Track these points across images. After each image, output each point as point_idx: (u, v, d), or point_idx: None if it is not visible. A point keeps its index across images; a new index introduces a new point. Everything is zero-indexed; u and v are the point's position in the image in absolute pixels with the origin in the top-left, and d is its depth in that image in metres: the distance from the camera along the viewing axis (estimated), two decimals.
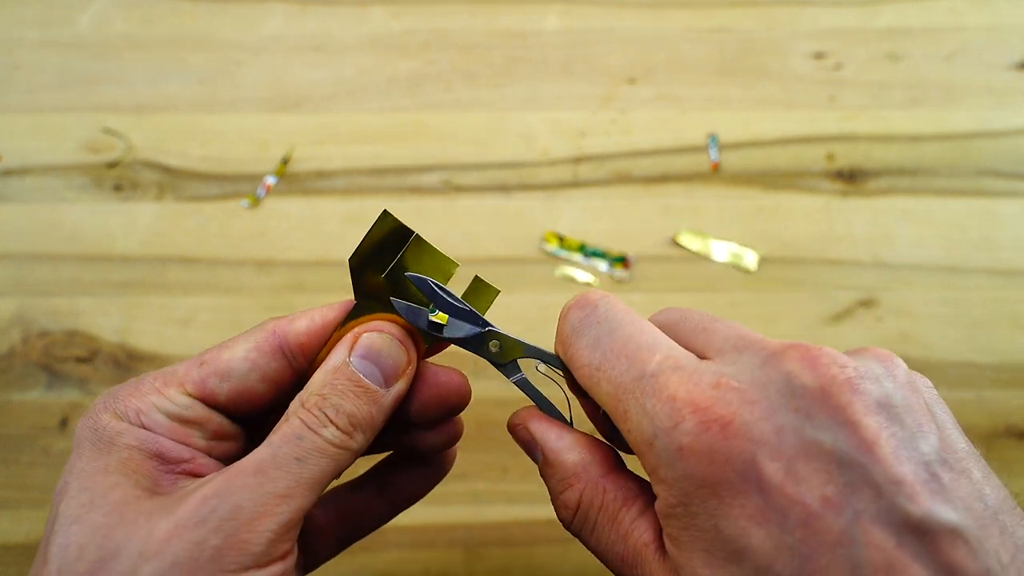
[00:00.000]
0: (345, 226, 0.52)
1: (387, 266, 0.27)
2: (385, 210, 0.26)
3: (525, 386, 0.26)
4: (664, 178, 0.53)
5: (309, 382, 0.26)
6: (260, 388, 0.27)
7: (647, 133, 0.54)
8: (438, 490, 0.35)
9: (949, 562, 0.18)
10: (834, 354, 0.21)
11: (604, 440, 0.27)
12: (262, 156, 0.53)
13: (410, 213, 0.52)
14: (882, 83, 0.55)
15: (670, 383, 0.21)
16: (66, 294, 0.50)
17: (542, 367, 0.27)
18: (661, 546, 0.23)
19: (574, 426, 0.27)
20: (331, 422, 0.24)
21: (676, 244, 0.51)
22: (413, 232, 0.27)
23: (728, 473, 0.20)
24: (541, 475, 0.26)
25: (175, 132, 0.53)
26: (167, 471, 0.25)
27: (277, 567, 0.23)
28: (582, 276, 0.51)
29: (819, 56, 0.56)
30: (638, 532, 0.24)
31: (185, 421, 0.26)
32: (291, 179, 0.53)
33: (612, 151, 0.53)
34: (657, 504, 0.22)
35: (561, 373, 0.26)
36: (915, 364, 0.49)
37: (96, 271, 0.50)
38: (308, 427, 0.24)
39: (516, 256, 0.51)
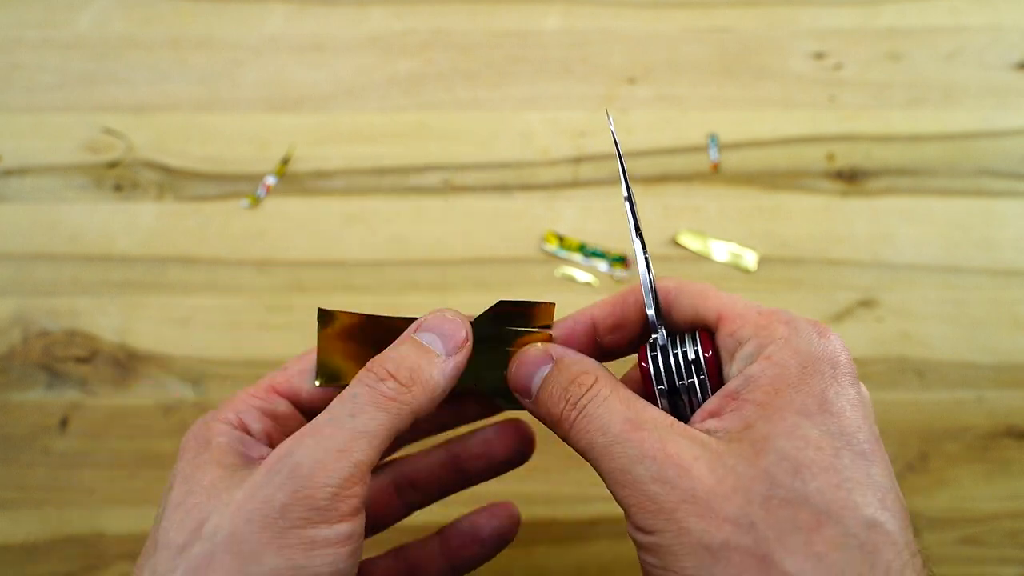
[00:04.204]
0: (345, 226, 0.52)
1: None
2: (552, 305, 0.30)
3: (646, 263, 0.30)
4: (664, 178, 0.53)
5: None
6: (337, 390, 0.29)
7: (647, 133, 0.54)
8: None
9: None
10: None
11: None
12: (262, 156, 0.53)
13: (410, 213, 0.52)
14: (882, 83, 0.55)
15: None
16: (66, 294, 0.50)
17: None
18: (678, 422, 0.26)
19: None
20: (390, 375, 0.26)
21: (676, 244, 0.51)
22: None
23: (845, 369, 0.26)
24: (540, 389, 0.28)
25: (175, 132, 0.53)
26: (249, 466, 0.27)
27: (344, 526, 0.24)
28: (582, 276, 0.51)
29: (819, 56, 0.56)
30: (650, 411, 0.26)
31: (274, 416, 0.29)
32: (291, 179, 0.53)
33: (612, 151, 0.53)
34: (762, 375, 0.25)
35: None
36: (915, 364, 0.49)
37: (96, 271, 0.50)
38: (364, 383, 0.26)
39: (516, 256, 0.51)
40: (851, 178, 0.53)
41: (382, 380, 0.26)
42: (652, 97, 0.55)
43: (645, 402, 0.26)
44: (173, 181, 0.52)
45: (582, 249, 0.51)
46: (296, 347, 0.49)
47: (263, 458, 0.27)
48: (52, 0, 0.56)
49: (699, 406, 0.27)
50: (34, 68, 0.55)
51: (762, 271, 0.51)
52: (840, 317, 0.50)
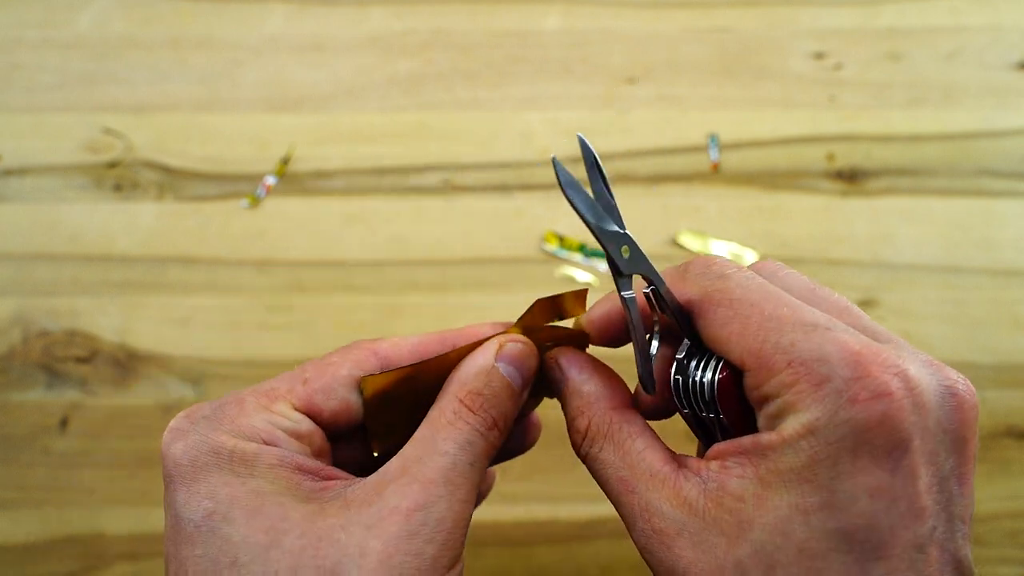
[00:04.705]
0: (345, 226, 0.52)
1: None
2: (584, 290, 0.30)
3: (632, 303, 0.26)
4: (664, 178, 0.53)
5: (455, 378, 0.27)
6: (358, 406, 0.28)
7: (647, 133, 0.54)
8: None
9: None
10: (972, 387, 0.24)
11: (636, 386, 0.28)
12: (262, 156, 0.53)
13: (410, 213, 0.52)
14: (882, 83, 0.55)
15: (850, 341, 0.22)
16: (66, 294, 0.50)
17: (648, 290, 0.26)
18: (676, 470, 0.24)
19: (652, 356, 0.27)
20: (495, 425, 0.26)
21: (676, 244, 0.51)
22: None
23: (883, 440, 0.21)
24: (562, 406, 0.28)
25: (175, 132, 0.53)
26: (311, 480, 0.25)
27: (462, 562, 0.25)
28: (582, 276, 0.51)
29: (819, 56, 0.56)
30: (646, 461, 0.25)
31: (299, 436, 0.27)
32: (291, 179, 0.53)
33: (612, 151, 0.53)
34: (786, 448, 0.22)
35: (657, 309, 0.26)
36: None
37: (96, 271, 0.50)
38: (478, 431, 0.26)
39: (516, 256, 0.51)
40: (851, 178, 0.53)
41: (491, 429, 0.26)
42: (652, 97, 0.55)
43: (645, 443, 0.26)
44: (173, 181, 0.52)
45: (582, 249, 0.51)
46: (296, 347, 0.49)
47: (322, 470, 0.26)
48: (52, 0, 0.56)
49: (722, 437, 0.25)
50: (34, 68, 0.55)
51: None
52: None
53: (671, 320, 0.26)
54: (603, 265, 0.51)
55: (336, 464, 0.28)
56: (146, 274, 0.50)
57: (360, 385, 0.28)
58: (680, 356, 0.26)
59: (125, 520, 0.46)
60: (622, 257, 0.26)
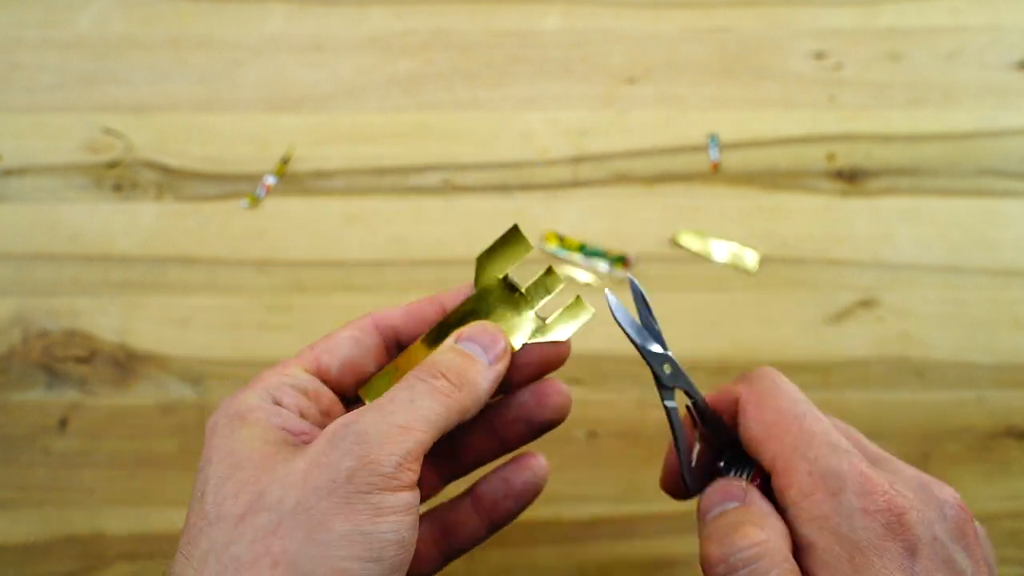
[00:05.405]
0: (345, 226, 0.52)
1: (505, 270, 0.32)
2: (516, 224, 0.33)
3: (675, 415, 0.30)
4: (664, 178, 0.53)
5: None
6: (362, 362, 0.31)
7: (647, 133, 0.54)
8: None
9: None
10: (963, 502, 0.27)
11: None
12: (262, 156, 0.53)
13: (410, 213, 0.52)
14: (882, 83, 0.55)
15: (861, 464, 0.26)
16: (66, 294, 0.50)
17: (690, 404, 0.30)
18: None
19: (694, 460, 0.31)
20: (442, 375, 0.27)
21: (676, 244, 0.51)
22: (531, 247, 0.33)
23: (896, 547, 0.25)
24: (714, 520, 0.29)
25: (175, 132, 0.53)
26: (293, 441, 0.28)
27: (407, 495, 0.25)
28: (582, 276, 0.51)
29: (819, 56, 0.56)
30: None
31: (305, 393, 0.30)
32: (291, 179, 0.53)
33: (612, 151, 0.53)
34: (811, 552, 0.26)
35: (697, 419, 0.31)
36: (915, 364, 0.49)
37: (96, 271, 0.50)
38: (419, 378, 0.27)
39: None
40: (851, 178, 0.53)
41: (436, 378, 0.27)
42: (652, 97, 0.55)
43: None
44: (173, 181, 0.52)
45: (582, 249, 0.51)
46: (296, 347, 0.49)
47: (304, 433, 0.28)
48: (52, 0, 0.56)
49: None
50: (34, 68, 0.55)
51: (762, 271, 0.51)
52: (840, 317, 0.50)
53: (709, 432, 0.31)
54: (603, 265, 0.51)
55: None
56: (146, 274, 0.50)
57: (361, 395, 0.31)
58: (721, 464, 0.30)
59: (125, 520, 0.46)
60: (665, 373, 0.30)
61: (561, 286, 0.32)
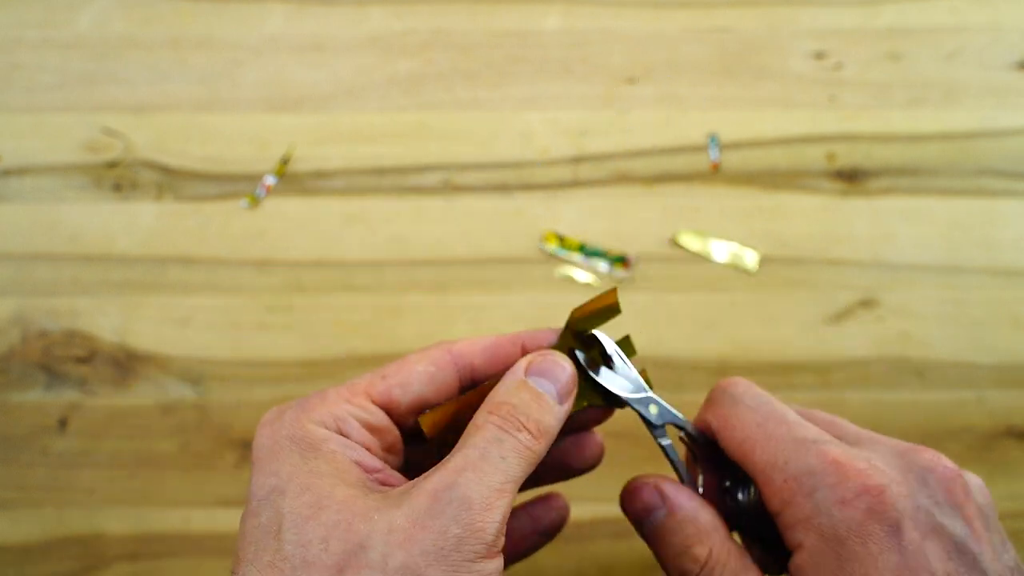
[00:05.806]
0: (345, 226, 0.52)
1: (594, 327, 0.31)
2: (615, 288, 0.32)
3: (671, 451, 0.30)
4: (664, 178, 0.53)
5: (491, 395, 0.28)
6: (434, 400, 0.30)
7: (647, 133, 0.54)
8: None
9: None
10: (948, 461, 0.27)
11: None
12: (262, 156, 0.53)
13: (410, 213, 0.52)
14: (882, 83, 0.55)
15: (831, 451, 0.26)
16: (66, 294, 0.50)
17: (683, 435, 0.31)
18: None
19: (700, 488, 0.31)
20: (524, 427, 0.27)
21: (676, 244, 0.51)
22: (619, 310, 0.31)
23: (878, 529, 0.25)
24: (653, 533, 0.29)
25: (175, 132, 0.53)
26: (367, 480, 0.27)
27: (499, 560, 0.25)
28: (582, 276, 0.51)
29: (819, 56, 0.56)
30: None
31: (373, 429, 0.28)
32: (291, 179, 0.53)
33: (612, 151, 0.53)
34: (800, 553, 0.26)
35: (693, 447, 0.31)
36: (915, 364, 0.49)
37: (96, 271, 0.50)
38: (506, 431, 0.27)
39: (516, 256, 0.51)
40: (851, 178, 0.53)
41: (519, 431, 0.27)
42: (652, 97, 0.55)
43: (757, 574, 0.27)
44: (173, 181, 0.52)
45: (582, 249, 0.51)
46: (296, 347, 0.49)
47: (378, 471, 0.27)
48: (52, 0, 0.56)
49: (774, 545, 0.29)
50: (34, 68, 0.55)
51: (762, 271, 0.51)
52: (840, 317, 0.50)
53: (708, 455, 0.31)
54: (603, 265, 0.51)
55: (409, 463, 0.30)
56: (146, 274, 0.50)
57: (419, 423, 0.30)
58: (727, 484, 0.31)
59: (125, 520, 0.46)
60: (652, 414, 0.30)
61: (635, 356, 0.32)
